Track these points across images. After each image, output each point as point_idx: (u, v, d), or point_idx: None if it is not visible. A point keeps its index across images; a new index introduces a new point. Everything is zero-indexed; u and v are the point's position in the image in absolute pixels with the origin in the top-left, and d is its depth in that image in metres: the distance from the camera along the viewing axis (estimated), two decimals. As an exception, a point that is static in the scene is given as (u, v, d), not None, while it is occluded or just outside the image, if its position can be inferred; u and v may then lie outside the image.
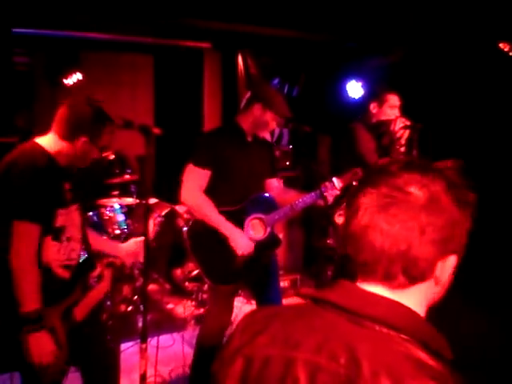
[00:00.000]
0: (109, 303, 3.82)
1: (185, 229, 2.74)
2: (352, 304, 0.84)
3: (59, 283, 2.07)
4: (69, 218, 2.10)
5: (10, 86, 2.03)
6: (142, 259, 2.34)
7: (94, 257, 2.51)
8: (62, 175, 2.09)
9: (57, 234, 2.04)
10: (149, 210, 2.15)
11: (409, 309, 0.84)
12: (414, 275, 0.84)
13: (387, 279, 0.84)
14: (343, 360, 0.77)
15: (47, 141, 2.06)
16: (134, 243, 2.42)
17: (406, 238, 0.81)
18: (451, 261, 0.86)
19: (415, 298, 0.86)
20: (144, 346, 1.99)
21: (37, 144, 2.05)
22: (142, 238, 2.32)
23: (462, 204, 0.84)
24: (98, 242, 2.50)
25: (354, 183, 2.68)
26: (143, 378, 2.01)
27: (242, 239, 2.63)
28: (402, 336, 0.79)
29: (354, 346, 0.78)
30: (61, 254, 2.07)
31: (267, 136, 3.18)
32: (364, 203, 0.85)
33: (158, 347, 2.73)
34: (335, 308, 0.85)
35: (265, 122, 2.67)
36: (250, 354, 0.88)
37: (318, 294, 0.89)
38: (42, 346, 1.92)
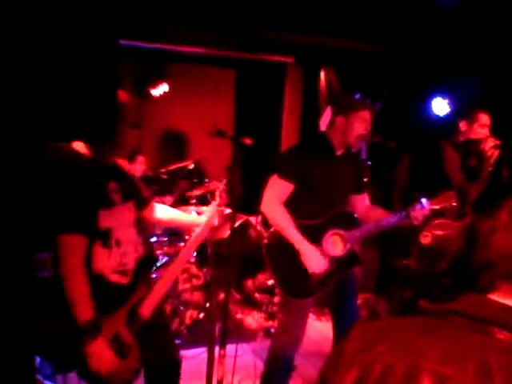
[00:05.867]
0: (182, 308, 3.91)
1: (265, 240, 2.74)
2: (481, 312, 0.82)
3: (115, 290, 2.03)
4: (116, 218, 2.04)
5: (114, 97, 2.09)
6: (215, 223, 2.35)
7: (154, 257, 2.47)
8: (105, 175, 2.04)
9: (104, 238, 1.99)
10: (234, 218, 2.16)
11: None
12: None
13: None
14: (471, 371, 0.75)
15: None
16: (212, 207, 2.39)
17: None
18: None
19: None
20: (222, 352, 1.99)
21: (70, 147, 2.01)
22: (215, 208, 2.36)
23: None
24: (177, 218, 2.49)
25: (447, 206, 2.57)
26: (219, 384, 2.01)
27: (314, 257, 2.58)
28: None
29: (484, 356, 0.77)
30: (112, 261, 2.02)
31: (363, 147, 3.14)
32: None
33: (224, 355, 2.70)
34: (461, 318, 0.83)
35: (351, 130, 2.61)
36: (367, 362, 0.86)
37: (442, 306, 0.88)
38: (99, 355, 1.90)
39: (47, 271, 3.35)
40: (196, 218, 2.53)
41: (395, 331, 0.90)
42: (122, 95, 2.06)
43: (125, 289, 2.05)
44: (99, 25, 3.34)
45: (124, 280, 2.05)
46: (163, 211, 2.46)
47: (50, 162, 1.96)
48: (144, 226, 2.25)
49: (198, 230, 2.33)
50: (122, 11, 3.94)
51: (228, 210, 4.57)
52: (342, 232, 2.66)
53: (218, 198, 2.37)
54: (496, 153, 3.20)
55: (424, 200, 2.59)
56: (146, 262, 2.19)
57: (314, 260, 2.58)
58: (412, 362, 0.81)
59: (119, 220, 2.05)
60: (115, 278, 2.02)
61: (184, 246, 2.41)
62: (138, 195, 2.24)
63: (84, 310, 1.88)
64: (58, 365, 2.96)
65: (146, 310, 2.08)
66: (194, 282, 4.21)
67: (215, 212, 2.37)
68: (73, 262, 1.88)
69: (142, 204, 2.27)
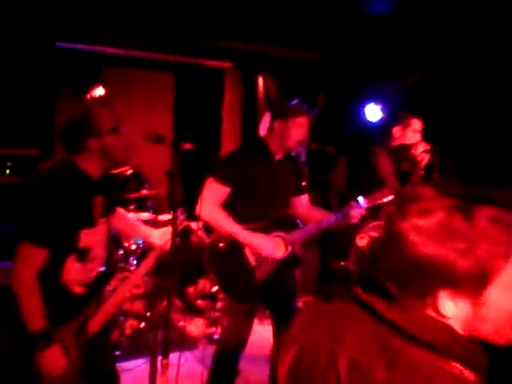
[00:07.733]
0: (122, 318, 3.80)
1: (207, 245, 2.73)
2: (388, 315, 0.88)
3: (74, 299, 2.02)
4: (95, 236, 2.02)
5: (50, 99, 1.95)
6: (168, 248, 2.22)
7: (111, 270, 2.41)
8: (93, 189, 2.00)
9: (81, 254, 1.97)
10: (175, 223, 2.12)
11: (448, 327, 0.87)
12: None
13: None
14: (382, 361, 0.81)
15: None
16: (166, 230, 2.32)
17: None
18: None
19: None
20: (165, 361, 1.96)
21: (68, 159, 1.95)
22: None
23: None
24: (132, 227, 2.42)
25: (383, 202, 2.66)
26: (163, 395, 1.98)
27: (267, 242, 2.61)
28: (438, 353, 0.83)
29: (388, 344, 0.83)
30: (81, 274, 2.02)
31: (303, 150, 3.21)
32: None
33: (167, 365, 2.67)
34: (374, 314, 0.90)
35: (289, 135, 2.67)
36: (304, 344, 0.94)
37: (364, 297, 0.94)
38: (54, 361, 1.88)
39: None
40: (149, 230, 2.42)
41: (331, 316, 0.97)
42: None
43: (80, 300, 2.04)
44: (36, 27, 3.21)
45: (82, 290, 2.04)
46: (122, 218, 2.39)
47: (43, 171, 1.91)
48: (111, 240, 2.23)
49: (150, 254, 2.28)
50: (58, 13, 3.81)
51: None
52: (283, 234, 2.70)
53: (173, 226, 2.23)
54: (427, 157, 3.35)
55: (360, 198, 2.68)
56: (104, 276, 2.17)
57: (268, 245, 2.60)
58: (334, 347, 0.88)
59: (97, 237, 2.04)
60: (76, 289, 2.01)
61: (135, 268, 2.34)
62: (112, 206, 2.19)
63: (36, 319, 1.85)
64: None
65: (95, 325, 2.06)
66: (135, 291, 4.11)
67: (169, 238, 2.28)
68: (28, 273, 1.84)
69: (112, 213, 2.21)
